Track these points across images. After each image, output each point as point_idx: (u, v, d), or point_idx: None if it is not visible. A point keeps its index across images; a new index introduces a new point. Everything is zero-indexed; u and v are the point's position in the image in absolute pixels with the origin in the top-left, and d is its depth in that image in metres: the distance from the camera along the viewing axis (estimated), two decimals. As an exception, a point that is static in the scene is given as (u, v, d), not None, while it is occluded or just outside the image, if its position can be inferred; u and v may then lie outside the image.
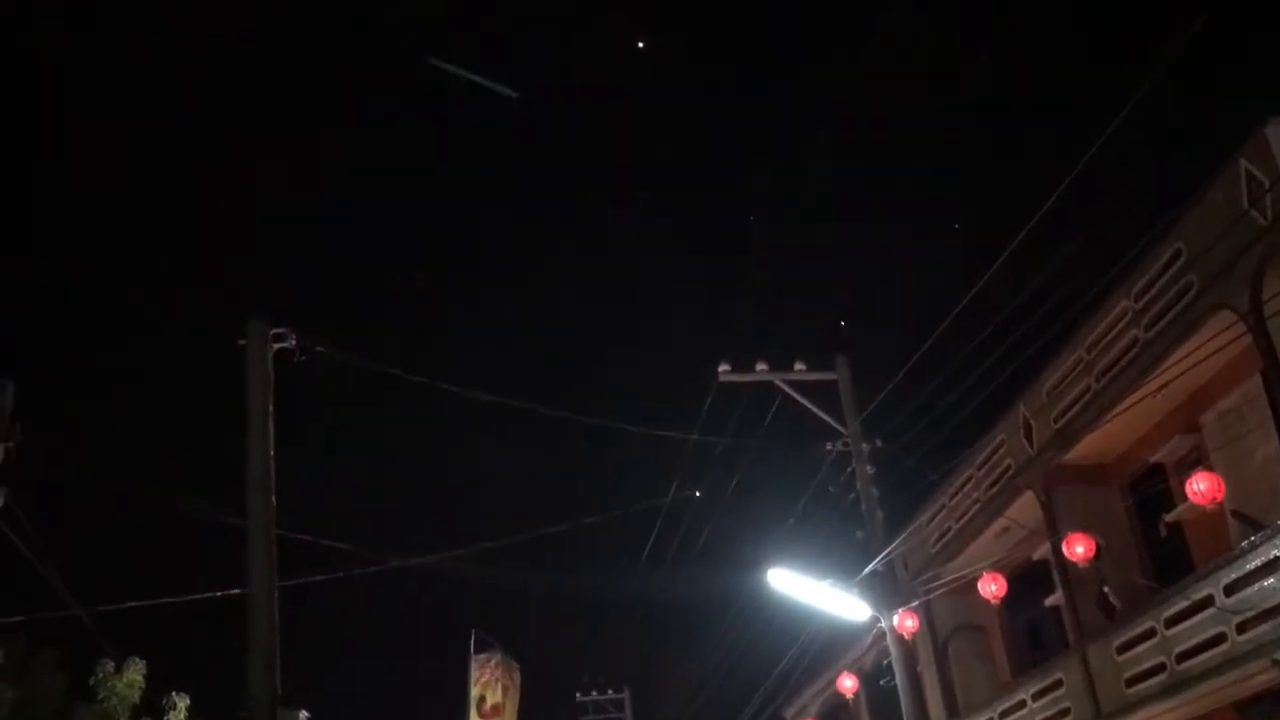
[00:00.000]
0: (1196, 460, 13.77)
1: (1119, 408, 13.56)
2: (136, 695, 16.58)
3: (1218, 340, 11.90)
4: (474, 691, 25.22)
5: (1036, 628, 18.09)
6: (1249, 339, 11.51)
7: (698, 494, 17.76)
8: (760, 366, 17.22)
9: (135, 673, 16.49)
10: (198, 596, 13.46)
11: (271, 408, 11.29)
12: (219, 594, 12.86)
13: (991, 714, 16.78)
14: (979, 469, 16.88)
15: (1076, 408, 14.40)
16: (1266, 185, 10.92)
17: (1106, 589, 14.79)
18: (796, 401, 17.21)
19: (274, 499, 11.11)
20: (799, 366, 17.25)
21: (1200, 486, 11.97)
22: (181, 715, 16.92)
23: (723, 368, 17.21)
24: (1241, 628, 11.61)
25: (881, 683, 20.62)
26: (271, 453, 11.20)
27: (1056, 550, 14.61)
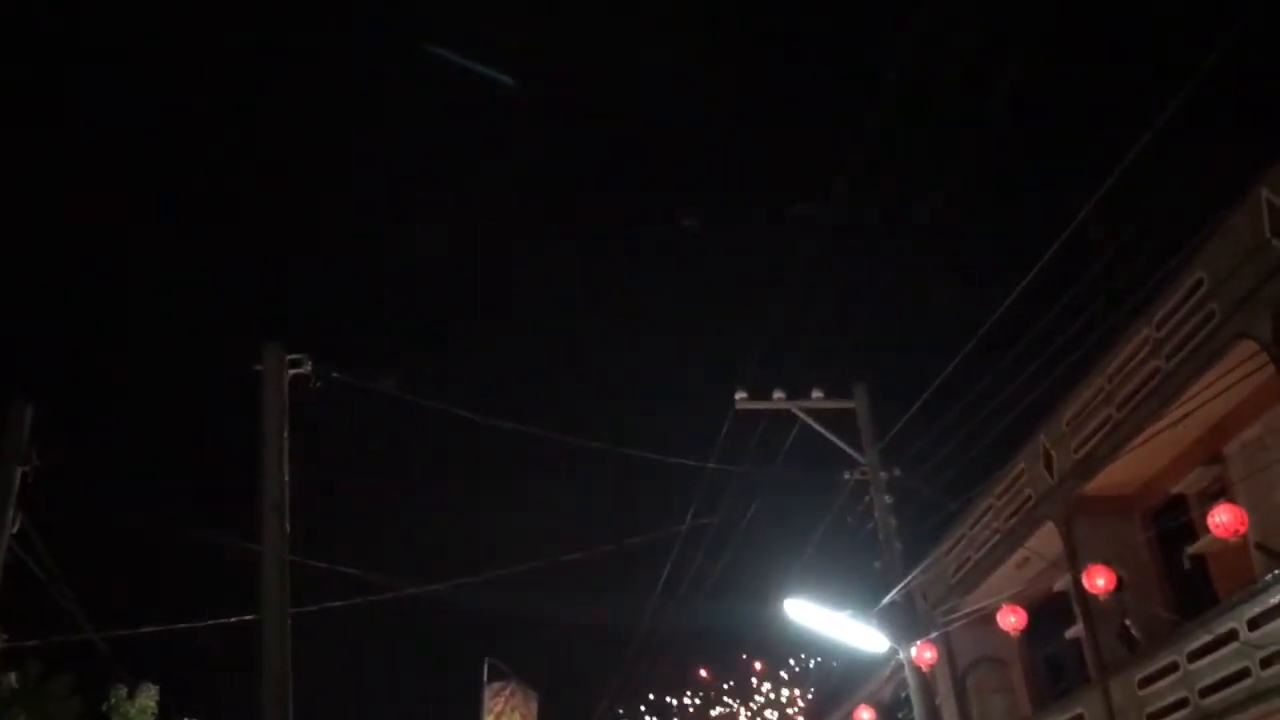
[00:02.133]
0: (1219, 492, 13.60)
1: (1140, 438, 13.41)
2: (149, 720, 16.57)
3: (1240, 370, 11.77)
4: (488, 721, 25.06)
5: (1057, 660, 17.88)
6: (1272, 369, 11.38)
7: (714, 521, 17.63)
8: (777, 394, 17.13)
9: (148, 698, 16.49)
10: (211, 623, 13.43)
11: (286, 433, 11.30)
12: (232, 619, 12.82)
13: (1011, 748, 16.58)
14: (999, 499, 16.73)
15: (1097, 438, 14.26)
16: (1289, 214, 10.83)
17: (1128, 622, 14.60)
18: (814, 430, 17.11)
19: (288, 524, 11.10)
20: (816, 394, 17.16)
21: (1223, 519, 11.82)
22: (194, 741, 16.89)
23: (740, 395, 17.14)
24: (1266, 663, 11.44)
25: (899, 716, 20.44)
26: (286, 478, 11.19)
27: (1077, 582, 14.44)
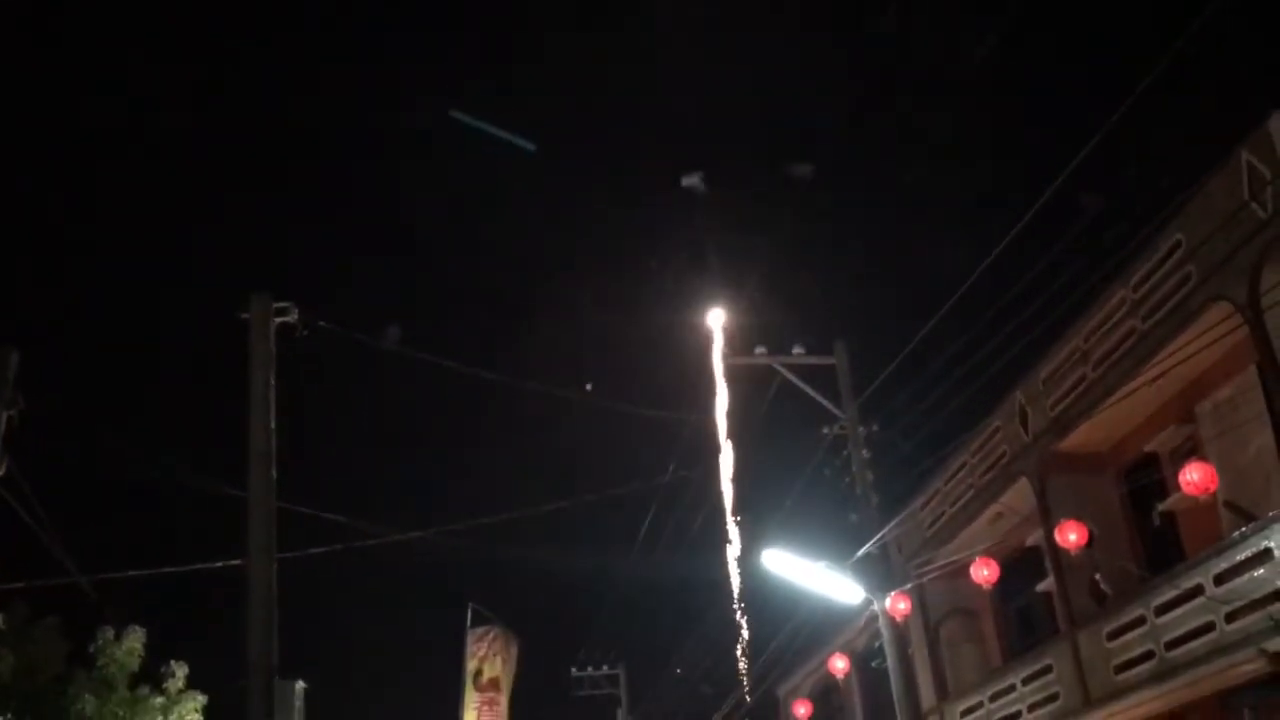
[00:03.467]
0: (1191, 450, 13.85)
1: (1115, 397, 13.64)
2: (135, 663, 16.73)
3: (1215, 331, 11.97)
4: (471, 665, 25.40)
5: (1028, 613, 18.22)
6: (1246, 331, 11.58)
7: (691, 476, 17.86)
8: (759, 350, 17.32)
9: (134, 641, 16.63)
10: (197, 567, 13.58)
11: (273, 381, 11.38)
12: (218, 565, 12.97)
13: (981, 697, 16.94)
14: (974, 455, 16.98)
15: (1072, 396, 14.48)
16: (1268, 178, 10.97)
17: (1098, 576, 14.90)
18: (795, 385, 17.30)
19: (274, 471, 11.21)
20: (798, 350, 17.36)
21: (1193, 477, 12.06)
22: (180, 684, 17.07)
23: (722, 349, 17.31)
24: (1230, 617, 11.73)
25: (873, 664, 20.84)
26: (273, 425, 11.29)
27: (1049, 537, 14.72)
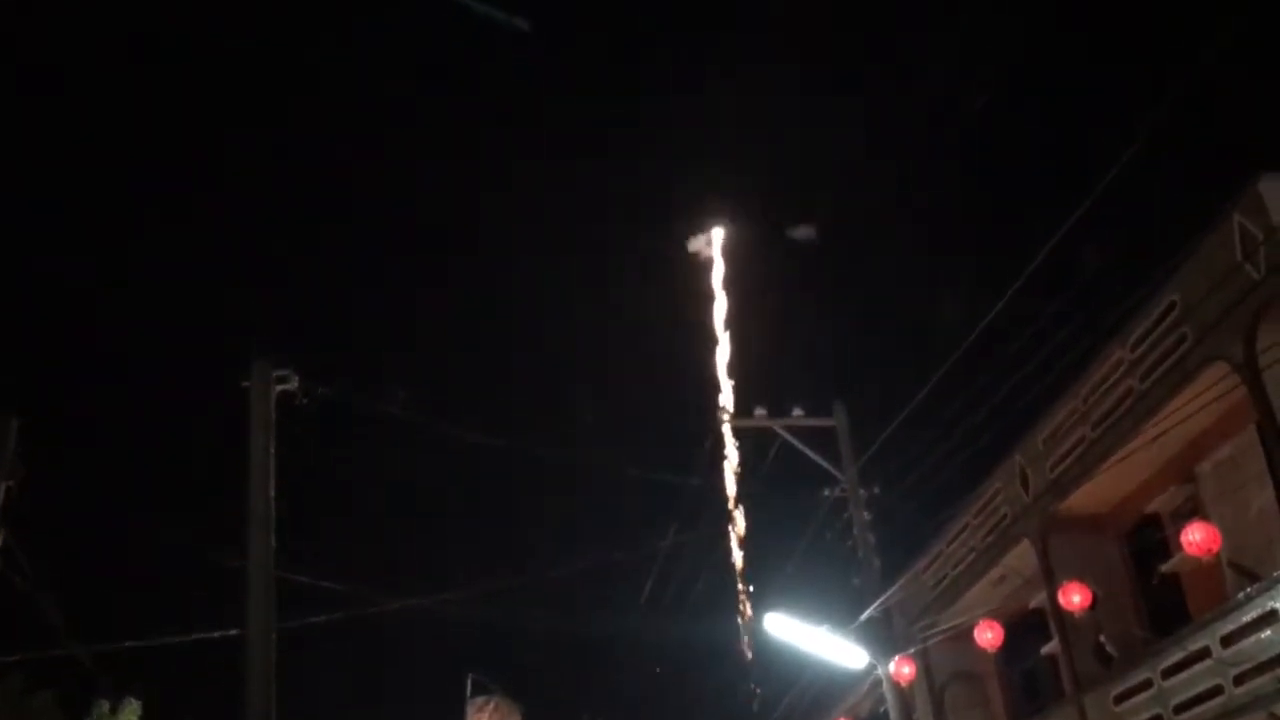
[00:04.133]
0: (1192, 510, 13.82)
1: (1114, 457, 13.63)
2: (131, 735, 16.56)
3: (1213, 391, 12.00)
4: (471, 735, 25.07)
5: (1033, 676, 18.05)
6: (1244, 390, 11.61)
7: (694, 540, 17.83)
8: (759, 412, 17.35)
9: (130, 713, 16.49)
10: (195, 637, 13.48)
11: (273, 448, 11.41)
12: (216, 634, 12.88)
13: (988, 763, 16.73)
14: (976, 516, 16.92)
15: (1072, 457, 14.47)
16: (1260, 239, 11.06)
17: (1103, 638, 14.78)
18: (795, 447, 17.30)
19: (273, 539, 11.19)
20: (797, 412, 17.38)
21: (1196, 537, 12.02)
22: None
23: (720, 412, 17.33)
24: (1238, 680, 11.63)
25: (878, 730, 20.57)
26: (272, 493, 11.30)
27: (1053, 599, 14.63)
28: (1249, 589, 11.67)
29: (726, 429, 18.24)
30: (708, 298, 23.65)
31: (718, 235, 22.61)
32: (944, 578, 17.89)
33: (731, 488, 17.67)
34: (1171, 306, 12.52)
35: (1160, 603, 14.93)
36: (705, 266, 23.52)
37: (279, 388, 11.78)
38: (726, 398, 19.24)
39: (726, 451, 17.97)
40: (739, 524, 17.96)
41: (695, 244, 23.80)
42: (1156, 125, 10.60)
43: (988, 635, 15.61)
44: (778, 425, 17.24)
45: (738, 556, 17.51)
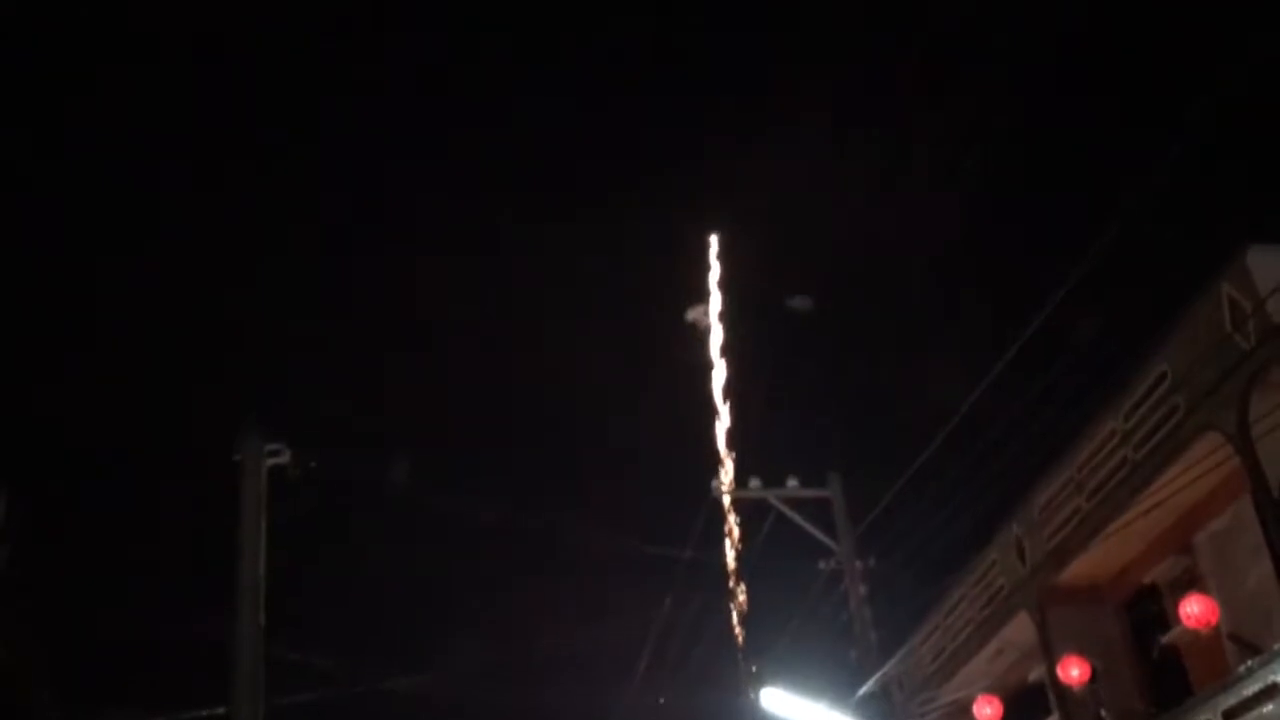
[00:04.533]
0: (1190, 582, 13.73)
1: (1110, 528, 13.57)
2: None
3: (1207, 461, 11.99)
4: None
5: (1034, 752, 17.79)
6: (1238, 461, 11.59)
7: (691, 615, 17.69)
8: (754, 483, 17.30)
9: (115, 793, 16.18)
10: (184, 716, 13.28)
11: (264, 524, 11.36)
12: (204, 713, 12.70)
13: (990, 842, 16.40)
14: (972, 588, 16.80)
15: (1068, 528, 14.40)
16: (1248, 309, 11.13)
17: (1103, 713, 14.60)
18: (790, 519, 17.24)
19: (263, 615, 11.09)
20: (792, 483, 17.34)
21: (1194, 609, 11.94)
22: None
23: (715, 483, 17.29)
24: (1242, 755, 11.45)
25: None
26: (262, 570, 11.23)
27: (1051, 673, 14.47)
28: (1250, 662, 11.53)
29: (724, 500, 18.13)
30: (704, 367, 23.73)
31: (715, 304, 22.64)
32: (942, 651, 17.70)
33: (731, 562, 17.53)
34: (1163, 377, 12.54)
35: (1161, 675, 14.77)
36: (703, 336, 23.61)
37: (271, 461, 11.76)
38: (725, 469, 19.15)
39: (728, 525, 17.85)
40: (740, 599, 17.79)
41: (693, 313, 23.91)
42: (1143, 198, 10.80)
43: (986, 710, 15.42)
44: (773, 496, 17.19)
45: (739, 632, 17.33)
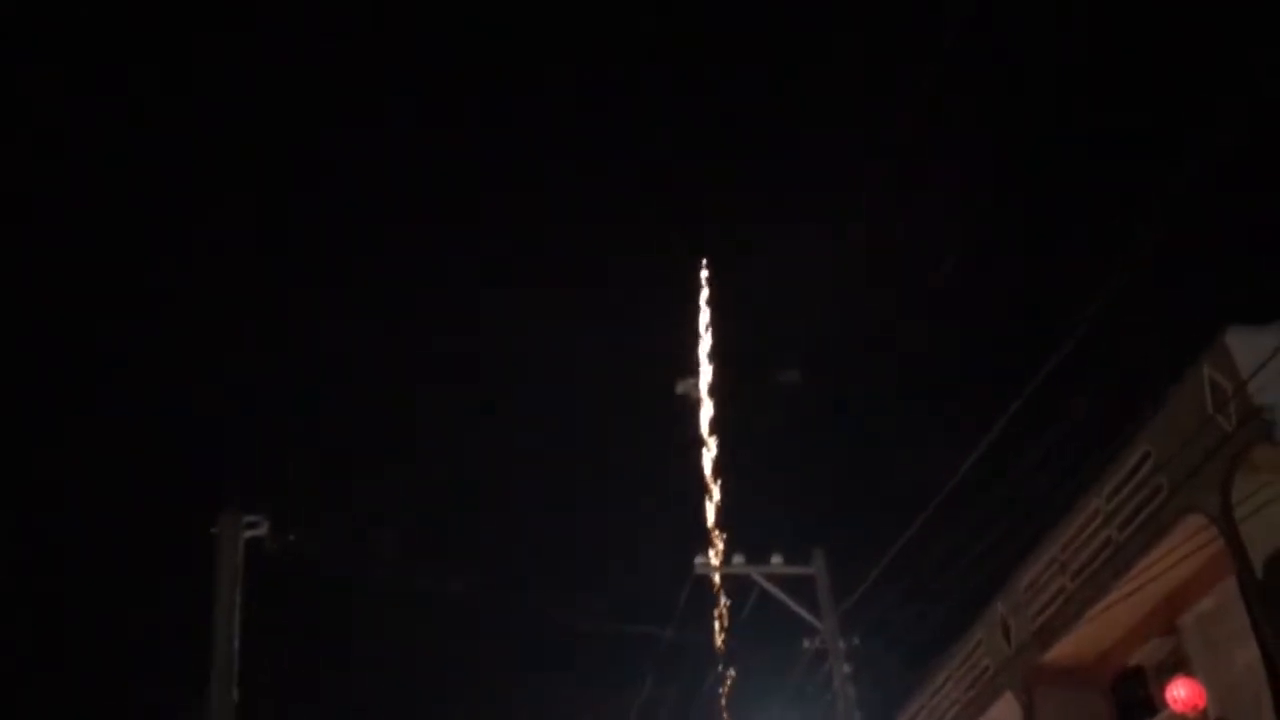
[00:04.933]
0: (1176, 664, 13.60)
1: (1095, 608, 13.48)
2: None
3: (1192, 542, 11.94)
4: None
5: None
6: (1223, 542, 11.55)
7: (675, 694, 17.45)
8: (737, 558, 17.17)
9: None
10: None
11: (239, 598, 11.20)
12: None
13: None
14: (958, 668, 16.63)
15: (1053, 607, 14.30)
16: (1229, 391, 11.16)
17: (1091, 796, 14.40)
18: (775, 595, 17.07)
19: (236, 693, 10.89)
20: (776, 559, 17.19)
21: (1180, 693, 11.83)
22: None
23: (699, 559, 17.16)
24: (1229, 842, 11.28)
25: None
26: (236, 644, 11.04)
27: (1038, 755, 14.28)
28: (1238, 747, 11.41)
29: (711, 576, 17.99)
30: (692, 442, 23.70)
31: (705, 377, 22.72)
32: (928, 732, 17.47)
33: (718, 640, 17.35)
34: (1146, 457, 12.54)
35: (1149, 759, 14.58)
36: (693, 408, 23.63)
37: (249, 533, 11.63)
38: (712, 544, 19.02)
39: (718, 602, 17.70)
40: (727, 678, 17.58)
41: (683, 386, 23.96)
42: (1122, 283, 10.89)
43: (973, 793, 15.17)
44: (756, 573, 17.04)
45: (725, 717, 17.11)
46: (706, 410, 23.21)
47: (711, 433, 23.05)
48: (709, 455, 22.37)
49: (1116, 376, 12.90)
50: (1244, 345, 11.20)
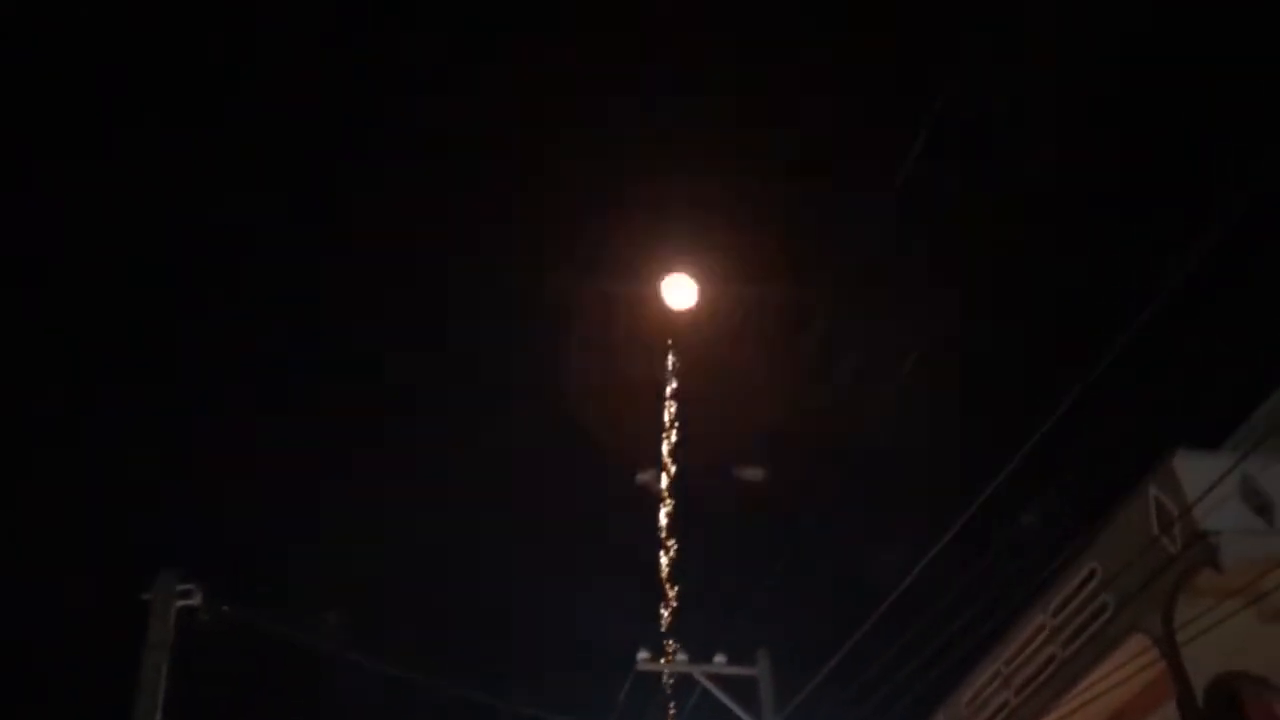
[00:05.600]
0: (1122, 786, 13.44)
1: (1039, 725, 13.34)
2: None
3: (1135, 663, 11.88)
4: None
5: None
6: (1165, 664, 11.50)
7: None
8: (680, 656, 16.93)
9: None
10: None
11: (165, 669, 10.88)
12: None
13: None
14: (901, 782, 16.36)
15: (996, 723, 14.14)
16: (1175, 514, 11.22)
17: None
18: (716, 697, 16.82)
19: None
20: (719, 659, 16.98)
21: (1120, 816, 11.65)
22: None
23: (641, 655, 16.92)
24: None
25: None
26: (159, 717, 10.69)
27: None
28: None
29: (653, 672, 17.68)
30: (649, 533, 23.52)
31: (666, 470, 22.65)
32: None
33: None
34: (1092, 574, 12.54)
35: None
36: (654, 499, 23.49)
37: (181, 603, 11.34)
38: (658, 642, 18.74)
39: (661, 699, 17.43)
40: None
41: (644, 477, 23.86)
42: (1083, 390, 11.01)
43: None
44: (697, 671, 16.79)
45: None
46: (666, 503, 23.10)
47: (670, 529, 22.94)
48: (666, 552, 22.20)
49: (1070, 487, 12.98)
50: (1191, 469, 11.30)
